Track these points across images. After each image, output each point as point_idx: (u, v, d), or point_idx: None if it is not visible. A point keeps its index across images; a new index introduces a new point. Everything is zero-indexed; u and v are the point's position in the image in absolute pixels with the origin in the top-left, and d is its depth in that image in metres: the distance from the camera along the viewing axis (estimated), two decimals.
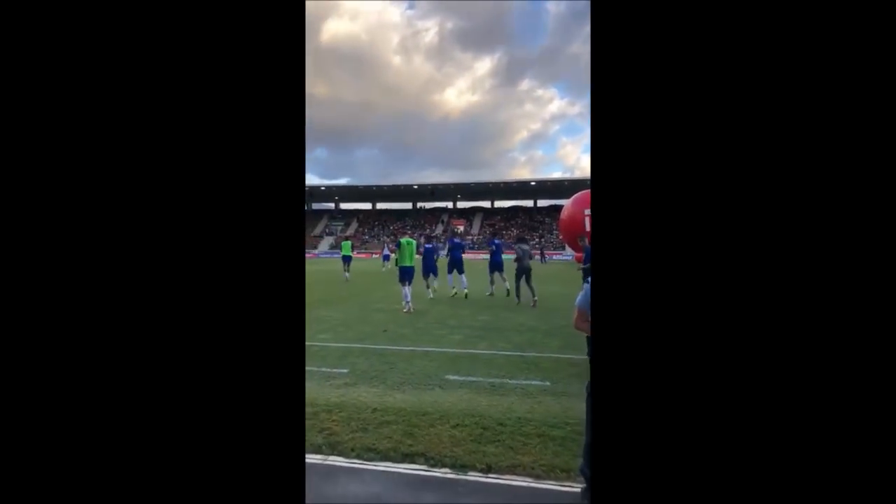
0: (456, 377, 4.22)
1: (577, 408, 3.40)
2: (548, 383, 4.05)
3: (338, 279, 15.16)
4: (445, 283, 10.59)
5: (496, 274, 10.29)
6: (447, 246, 11.06)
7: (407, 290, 8.34)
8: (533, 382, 4.08)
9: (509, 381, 4.10)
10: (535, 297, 8.85)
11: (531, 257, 9.51)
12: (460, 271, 10.23)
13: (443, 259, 11.22)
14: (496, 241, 10.51)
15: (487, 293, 10.48)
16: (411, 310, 8.10)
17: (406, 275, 8.49)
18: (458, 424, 3.13)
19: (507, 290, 9.87)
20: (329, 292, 11.53)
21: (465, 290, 10.06)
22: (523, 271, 9.14)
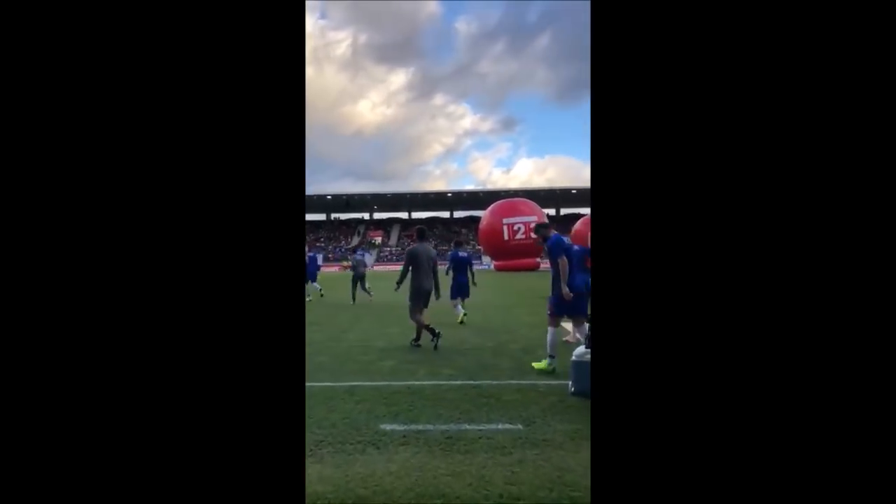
0: (395, 426, 3.06)
1: (572, 466, 2.42)
2: (520, 426, 3.04)
3: None
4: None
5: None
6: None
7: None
8: (501, 427, 3.04)
9: (469, 428, 3.03)
10: (371, 296, 10.99)
11: (366, 266, 11.41)
12: (313, 280, 12.11)
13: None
14: (359, 252, 12.89)
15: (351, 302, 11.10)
16: None
17: None
18: None
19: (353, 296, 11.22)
20: None
21: (320, 291, 12.33)
22: (358, 277, 11.04)
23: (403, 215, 61.45)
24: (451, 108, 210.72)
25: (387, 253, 53.03)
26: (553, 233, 4.72)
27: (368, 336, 6.60)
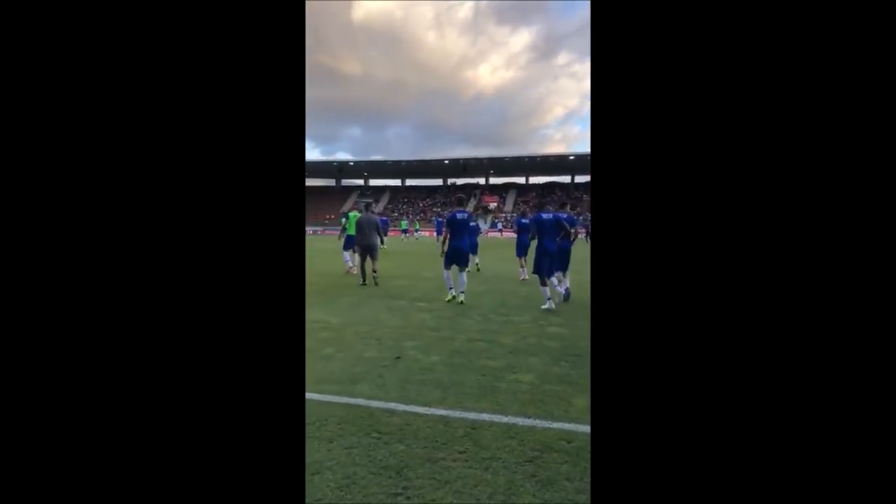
0: None
1: None
2: None
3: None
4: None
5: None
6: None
7: (348, 255, 10.49)
8: None
9: None
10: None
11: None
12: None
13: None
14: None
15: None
16: (353, 270, 9.98)
17: (350, 243, 10.22)
18: None
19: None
20: (334, 281, 9.33)
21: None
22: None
23: (520, 180, 59.29)
24: (576, 67, 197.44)
25: (501, 219, 51.80)
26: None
27: (492, 324, 5.45)
